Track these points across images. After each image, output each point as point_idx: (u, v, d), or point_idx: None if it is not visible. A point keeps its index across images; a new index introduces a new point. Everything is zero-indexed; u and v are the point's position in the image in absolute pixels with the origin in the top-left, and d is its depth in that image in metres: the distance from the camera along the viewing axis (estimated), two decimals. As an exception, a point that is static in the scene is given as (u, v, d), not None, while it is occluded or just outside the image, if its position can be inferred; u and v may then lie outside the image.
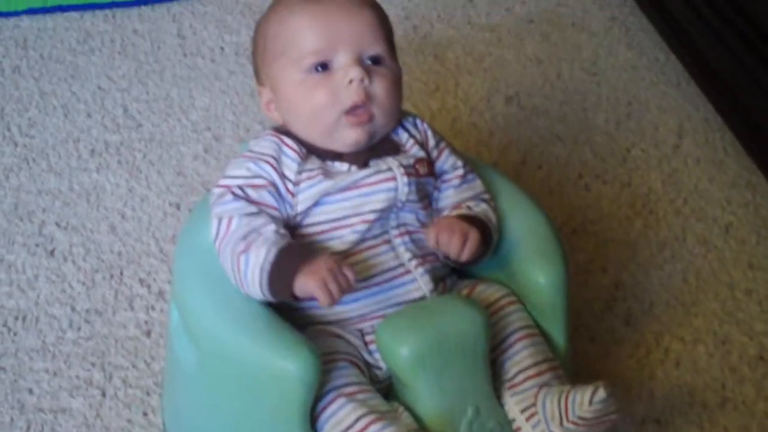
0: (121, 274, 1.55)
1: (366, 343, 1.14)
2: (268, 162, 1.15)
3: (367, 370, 1.13)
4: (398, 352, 1.07)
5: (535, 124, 1.87)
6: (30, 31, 2.05)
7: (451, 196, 1.23)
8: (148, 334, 1.46)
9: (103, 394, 1.38)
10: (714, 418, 1.39)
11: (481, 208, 1.21)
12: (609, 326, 1.50)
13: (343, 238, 1.15)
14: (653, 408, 1.39)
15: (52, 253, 1.58)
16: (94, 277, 1.54)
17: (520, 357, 1.15)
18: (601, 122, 1.88)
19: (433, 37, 2.08)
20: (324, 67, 1.16)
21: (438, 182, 1.23)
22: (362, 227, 1.15)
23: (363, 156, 1.18)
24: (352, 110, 1.16)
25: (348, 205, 1.15)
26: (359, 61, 1.16)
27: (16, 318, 1.48)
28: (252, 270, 1.09)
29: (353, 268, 1.07)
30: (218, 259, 1.14)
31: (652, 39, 2.08)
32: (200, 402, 1.19)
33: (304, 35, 1.16)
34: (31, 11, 2.08)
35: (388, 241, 1.17)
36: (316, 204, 1.14)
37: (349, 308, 1.14)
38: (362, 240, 1.15)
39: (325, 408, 1.07)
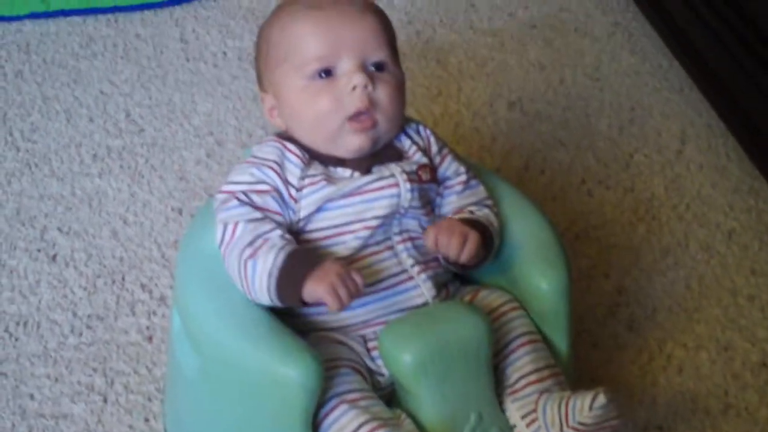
0: (123, 279, 1.54)
1: (368, 350, 1.14)
2: (271, 167, 1.15)
3: (370, 376, 1.13)
4: (401, 358, 1.07)
5: (537, 130, 1.86)
6: (32, 35, 2.05)
7: (453, 202, 1.23)
8: (150, 339, 1.46)
9: (105, 400, 1.38)
10: (717, 424, 1.39)
11: (483, 213, 1.21)
12: (612, 332, 1.50)
13: (345, 244, 1.15)
14: (656, 414, 1.39)
15: (53, 258, 1.58)
16: (96, 283, 1.54)
17: (521, 363, 1.15)
18: (604, 128, 1.88)
19: (436, 42, 2.08)
20: (327, 73, 1.16)
21: (441, 188, 1.23)
22: (365, 233, 1.15)
23: (366, 162, 1.18)
24: (355, 116, 1.15)
25: (350, 211, 1.14)
26: (363, 68, 1.16)
27: (18, 323, 1.48)
28: (260, 276, 1.09)
29: (362, 273, 1.08)
30: (220, 264, 1.14)
31: (655, 44, 2.08)
32: (202, 408, 1.19)
33: (307, 41, 1.16)
34: (34, 16, 2.08)
35: (391, 248, 1.16)
36: (318, 210, 1.14)
37: (351, 314, 1.14)
38: (365, 246, 1.15)
39: (327, 415, 1.07)
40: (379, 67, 1.18)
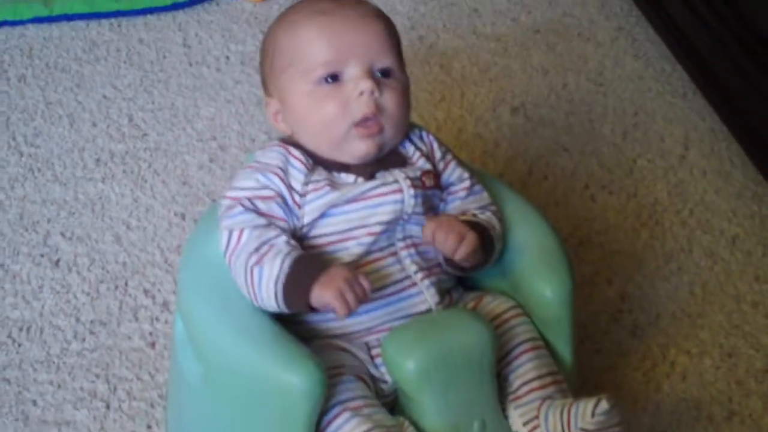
0: (126, 284, 1.54)
1: (372, 357, 1.14)
2: (275, 173, 1.15)
3: (373, 383, 1.13)
4: (404, 365, 1.07)
5: (541, 135, 1.86)
6: (35, 40, 2.05)
7: (457, 207, 1.23)
8: (153, 345, 1.46)
9: (108, 407, 1.38)
10: (721, 431, 1.38)
11: (485, 216, 1.21)
12: (615, 338, 1.50)
13: (348, 250, 1.14)
14: (659, 421, 1.39)
15: (56, 263, 1.57)
16: (99, 288, 1.54)
17: (524, 369, 1.15)
18: (607, 133, 1.87)
19: (439, 47, 2.08)
20: (334, 78, 1.16)
21: (444, 194, 1.23)
22: (368, 239, 1.14)
23: (370, 168, 1.18)
24: (362, 122, 1.15)
25: (354, 217, 1.14)
26: (370, 73, 1.16)
27: (21, 329, 1.48)
28: (266, 282, 1.09)
29: (369, 278, 1.07)
30: (224, 270, 1.14)
31: (658, 49, 2.08)
32: (205, 415, 1.19)
33: (314, 46, 1.16)
34: (37, 20, 2.08)
35: (395, 254, 1.16)
36: (322, 216, 1.14)
37: (355, 321, 1.14)
38: (368, 252, 1.15)
39: (330, 422, 1.07)
40: (386, 73, 1.18)
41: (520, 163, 1.79)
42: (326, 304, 1.06)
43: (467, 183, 1.24)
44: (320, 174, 1.16)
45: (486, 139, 1.84)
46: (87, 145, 1.80)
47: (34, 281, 1.54)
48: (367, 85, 1.14)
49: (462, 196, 1.23)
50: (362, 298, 1.06)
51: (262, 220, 1.13)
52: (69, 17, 2.09)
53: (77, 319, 1.49)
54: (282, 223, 1.14)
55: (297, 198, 1.15)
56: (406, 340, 1.09)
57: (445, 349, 1.08)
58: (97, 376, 1.41)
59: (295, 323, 1.14)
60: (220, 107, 1.89)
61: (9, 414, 1.36)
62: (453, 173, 1.24)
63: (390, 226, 1.16)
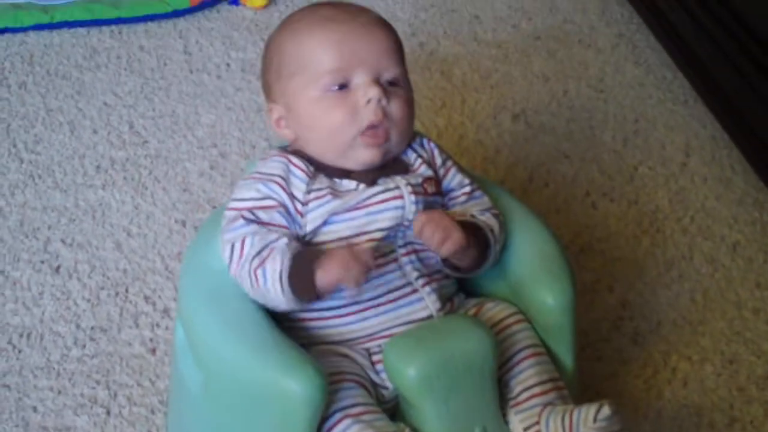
0: (127, 291, 1.54)
1: (373, 363, 1.14)
2: (277, 182, 1.15)
3: (374, 390, 1.13)
4: (405, 372, 1.07)
5: (542, 142, 1.86)
6: (36, 47, 2.05)
7: (457, 212, 1.22)
8: (153, 351, 1.45)
9: (108, 413, 1.37)
10: (722, 438, 1.38)
11: (484, 217, 1.21)
12: (616, 345, 1.50)
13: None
14: (661, 428, 1.38)
15: (57, 270, 1.57)
16: (99, 295, 1.53)
17: (524, 376, 1.15)
18: (608, 140, 1.87)
19: (440, 54, 2.08)
20: (342, 86, 1.16)
21: (445, 200, 1.23)
22: (369, 245, 1.14)
23: (372, 174, 1.18)
24: (369, 129, 1.16)
25: (355, 224, 1.14)
26: (377, 81, 1.16)
27: (21, 335, 1.47)
28: (271, 281, 1.09)
29: (370, 250, 1.08)
30: (224, 277, 1.14)
31: (659, 56, 2.08)
32: (205, 421, 1.18)
33: (322, 53, 1.16)
34: (38, 27, 2.09)
35: (396, 260, 1.16)
36: (324, 223, 1.14)
37: (356, 327, 1.14)
38: (370, 258, 1.15)
39: (331, 429, 1.06)
40: (392, 81, 1.18)
41: (521, 170, 1.79)
42: (333, 282, 1.07)
43: (467, 188, 1.24)
44: (322, 182, 1.16)
45: (487, 146, 1.84)
46: (87, 152, 1.80)
47: (34, 288, 1.54)
48: (375, 92, 1.15)
49: (462, 201, 1.23)
50: (367, 267, 1.06)
51: (264, 228, 1.13)
52: (70, 24, 2.09)
53: (77, 326, 1.49)
54: (285, 231, 1.14)
55: (299, 206, 1.15)
56: (407, 347, 1.09)
57: (447, 355, 1.07)
58: (98, 382, 1.41)
59: (295, 329, 1.14)
60: (220, 114, 1.89)
61: (9, 420, 1.36)
62: (453, 179, 1.24)
63: (391, 232, 1.15)
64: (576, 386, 1.21)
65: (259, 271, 1.09)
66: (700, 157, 1.84)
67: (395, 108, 1.17)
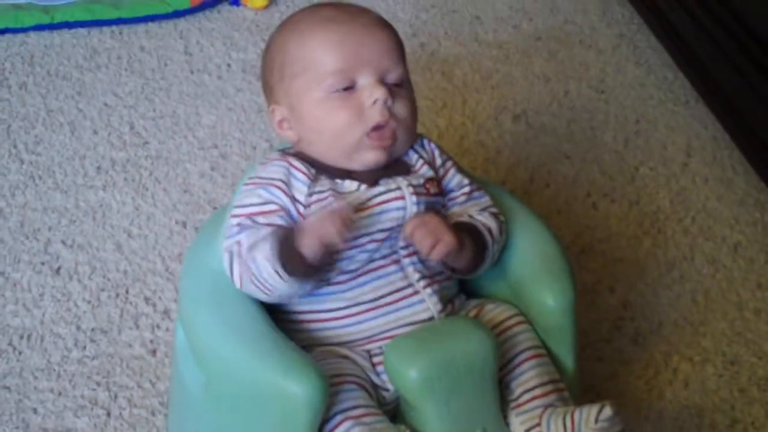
0: (127, 292, 1.54)
1: (374, 365, 1.14)
2: (278, 187, 1.15)
3: (375, 391, 1.12)
4: (406, 374, 1.06)
5: (542, 142, 1.86)
6: (37, 47, 2.05)
7: (456, 213, 1.22)
8: (154, 353, 1.45)
9: (108, 414, 1.37)
10: (723, 440, 1.38)
11: (482, 217, 1.21)
12: (617, 346, 1.50)
13: (352, 258, 1.14)
14: (662, 429, 1.38)
15: (57, 271, 1.57)
16: (100, 296, 1.53)
17: (525, 377, 1.15)
18: (609, 140, 1.87)
19: (441, 55, 2.08)
20: (347, 87, 1.16)
21: (445, 200, 1.23)
22: (371, 246, 1.14)
23: (374, 175, 1.18)
24: (375, 130, 1.15)
25: (357, 226, 1.14)
26: (383, 81, 1.16)
27: (21, 337, 1.47)
28: (265, 269, 1.08)
29: (344, 202, 1.09)
30: (225, 279, 1.14)
31: (660, 57, 2.08)
32: (206, 423, 1.18)
33: (326, 54, 1.16)
34: (38, 28, 2.09)
35: (398, 261, 1.16)
36: (325, 225, 1.14)
37: (356, 329, 1.14)
38: (371, 260, 1.15)
39: (331, 431, 1.06)
40: (396, 82, 1.18)
41: (522, 170, 1.79)
42: (316, 246, 1.06)
43: (467, 189, 1.24)
44: (323, 184, 1.16)
45: (488, 147, 1.84)
46: (88, 152, 1.79)
47: (34, 289, 1.54)
48: (381, 93, 1.15)
49: (461, 201, 1.23)
50: (347, 217, 1.06)
51: (255, 227, 1.13)
52: (70, 25, 2.09)
53: (78, 327, 1.49)
54: (277, 226, 1.14)
55: (301, 209, 1.14)
56: (408, 349, 1.09)
57: (448, 357, 1.07)
58: (98, 383, 1.41)
59: (296, 331, 1.14)
60: (221, 115, 1.89)
61: (9, 422, 1.36)
62: (452, 180, 1.24)
63: (393, 233, 1.15)
64: (577, 387, 1.21)
65: (253, 266, 1.09)
66: (702, 158, 1.84)
67: (400, 108, 1.17)
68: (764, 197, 1.75)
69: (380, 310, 1.14)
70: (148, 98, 1.93)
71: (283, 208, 1.14)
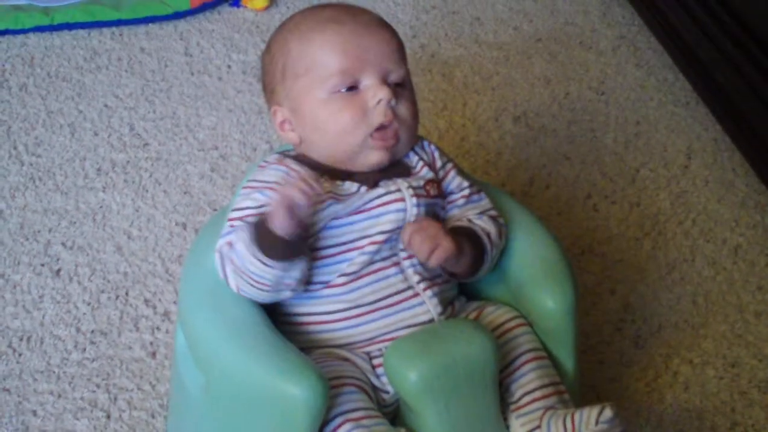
0: (127, 294, 1.54)
1: (373, 367, 1.14)
2: (275, 190, 1.14)
3: (374, 393, 1.12)
4: (406, 376, 1.06)
5: (543, 144, 1.86)
6: (37, 49, 2.05)
7: (455, 216, 1.22)
8: (153, 355, 1.45)
9: (108, 416, 1.37)
10: (724, 442, 1.38)
11: (481, 221, 1.21)
12: (617, 349, 1.49)
13: (352, 260, 1.14)
14: (662, 432, 1.38)
15: (57, 273, 1.57)
16: (100, 298, 1.53)
17: (526, 380, 1.15)
18: (609, 142, 1.87)
19: (441, 56, 2.08)
20: (350, 87, 1.16)
21: (444, 203, 1.23)
22: (371, 248, 1.14)
23: (374, 176, 1.18)
24: (379, 130, 1.15)
25: (357, 228, 1.14)
26: (386, 82, 1.16)
27: (21, 339, 1.47)
28: (245, 256, 1.08)
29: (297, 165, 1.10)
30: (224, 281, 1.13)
31: (660, 59, 2.08)
32: (206, 425, 1.18)
33: (330, 55, 1.16)
34: (38, 29, 2.09)
35: (398, 263, 1.16)
36: (325, 227, 1.14)
37: (356, 331, 1.14)
38: (372, 262, 1.14)
39: (331, 433, 1.06)
40: (399, 82, 1.18)
41: (522, 172, 1.79)
42: (284, 218, 1.04)
43: (466, 191, 1.24)
44: (323, 187, 1.15)
45: (488, 148, 1.84)
46: (88, 154, 1.79)
47: (34, 291, 1.54)
48: (385, 93, 1.15)
49: (460, 204, 1.23)
50: (304, 178, 1.05)
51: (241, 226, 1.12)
52: (70, 26, 2.09)
53: (78, 329, 1.49)
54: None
55: (300, 212, 1.14)
56: (408, 352, 1.08)
57: (448, 360, 1.07)
58: (98, 386, 1.41)
59: (296, 333, 1.14)
60: (221, 116, 1.89)
61: (9, 424, 1.36)
62: (452, 182, 1.24)
63: (393, 234, 1.15)
64: (577, 389, 1.21)
65: (236, 259, 1.09)
66: (702, 160, 1.84)
67: (403, 109, 1.17)
68: (765, 199, 1.75)
69: (380, 312, 1.14)
70: (149, 100, 1.93)
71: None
